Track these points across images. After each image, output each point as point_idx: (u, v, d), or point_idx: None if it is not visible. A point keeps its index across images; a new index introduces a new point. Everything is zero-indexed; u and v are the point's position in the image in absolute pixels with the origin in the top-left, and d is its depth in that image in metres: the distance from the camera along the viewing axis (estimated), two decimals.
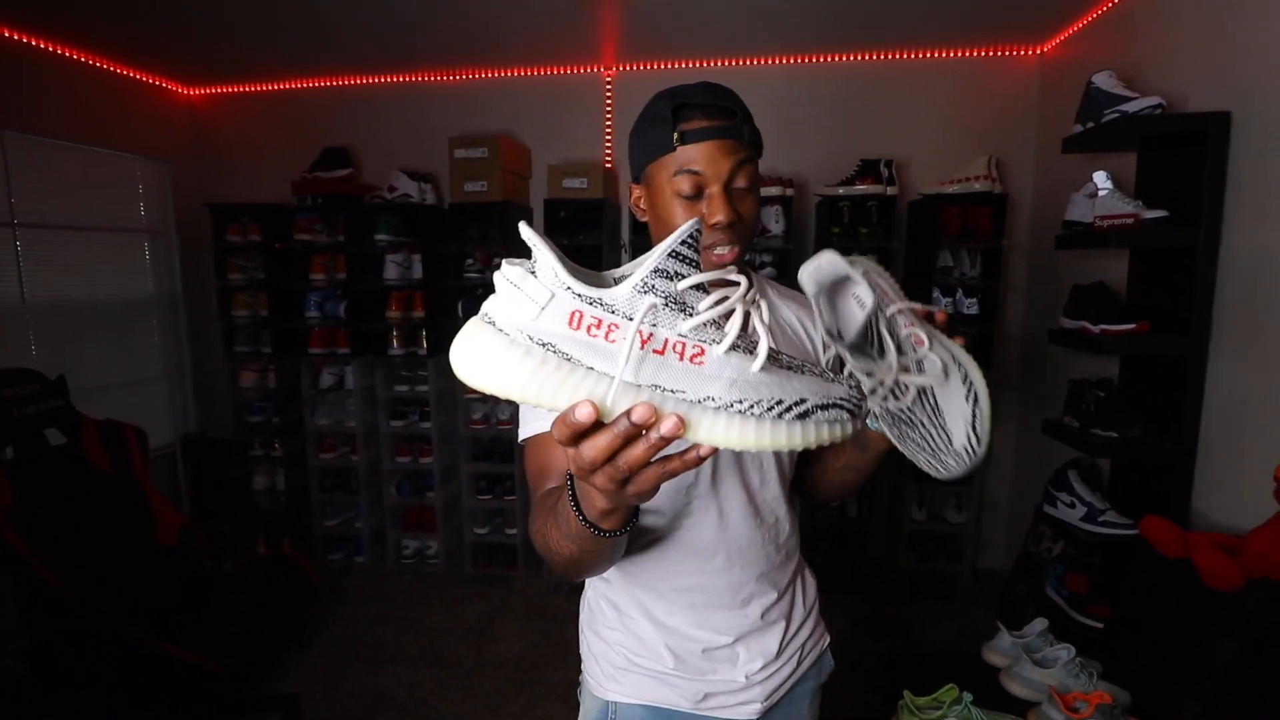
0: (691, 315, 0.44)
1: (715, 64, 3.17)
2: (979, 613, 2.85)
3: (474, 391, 3.03)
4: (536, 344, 0.43)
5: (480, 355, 0.43)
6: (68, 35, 2.82)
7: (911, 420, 0.65)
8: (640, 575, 0.92)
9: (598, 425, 0.44)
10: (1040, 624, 1.78)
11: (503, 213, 3.08)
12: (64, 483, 2.21)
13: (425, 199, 3.18)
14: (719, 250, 0.84)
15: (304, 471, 3.41)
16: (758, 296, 0.48)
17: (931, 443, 0.64)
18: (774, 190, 2.88)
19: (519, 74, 3.33)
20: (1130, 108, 1.88)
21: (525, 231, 0.45)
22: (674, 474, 0.46)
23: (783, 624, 0.96)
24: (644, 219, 0.92)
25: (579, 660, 1.03)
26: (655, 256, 0.44)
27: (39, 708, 2.18)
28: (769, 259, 3.02)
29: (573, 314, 0.43)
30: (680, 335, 0.44)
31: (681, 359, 0.44)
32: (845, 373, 0.66)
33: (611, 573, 0.94)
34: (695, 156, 0.81)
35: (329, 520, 3.40)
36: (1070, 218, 2.04)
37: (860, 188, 2.81)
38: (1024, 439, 3.11)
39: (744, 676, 0.92)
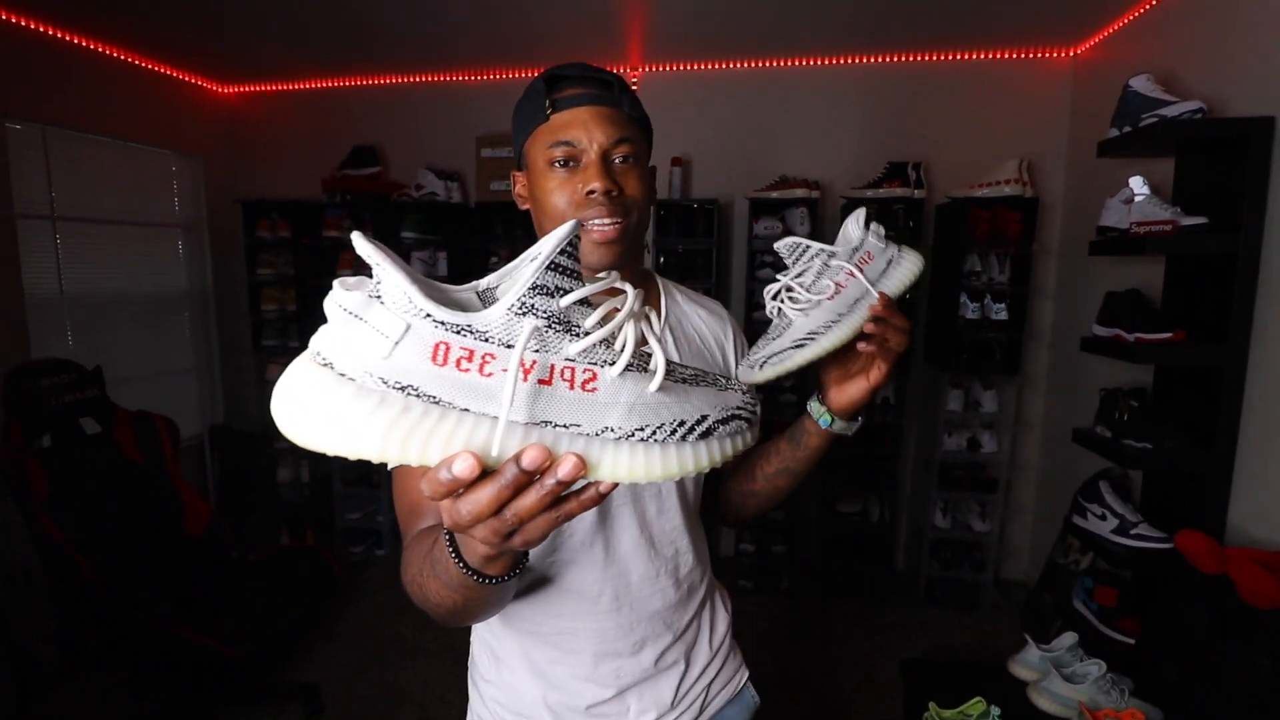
0: (579, 336, 0.38)
1: (741, 65, 3.16)
2: (1001, 623, 2.81)
3: None
4: (393, 388, 0.35)
5: (319, 409, 0.34)
6: (107, 33, 2.89)
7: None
8: (521, 619, 0.81)
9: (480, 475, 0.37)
10: (1070, 638, 1.74)
11: (527, 212, 3.09)
12: (97, 471, 2.26)
13: (452, 197, 3.21)
14: (597, 224, 0.75)
15: (327, 465, 3.46)
16: (644, 305, 0.43)
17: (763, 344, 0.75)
18: (799, 193, 2.87)
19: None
20: (1169, 112, 1.84)
21: (361, 245, 0.35)
22: (570, 517, 0.40)
23: (680, 667, 0.86)
24: (525, 207, 0.84)
25: None
26: (531, 271, 0.37)
27: (66, 690, 2.23)
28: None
29: (436, 346, 0.35)
30: (568, 360, 0.38)
31: (572, 387, 0.38)
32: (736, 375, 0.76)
33: (494, 619, 0.84)
34: (568, 122, 0.75)
35: (351, 513, 3.43)
36: (1105, 223, 2.00)
37: (887, 190, 2.79)
38: (1051, 448, 3.05)
39: None
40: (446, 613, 0.60)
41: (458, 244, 3.22)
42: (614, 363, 0.39)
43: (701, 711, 0.89)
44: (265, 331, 3.46)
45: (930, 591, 2.96)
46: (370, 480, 3.44)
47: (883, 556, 3.03)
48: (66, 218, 2.83)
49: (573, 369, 0.38)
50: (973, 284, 2.77)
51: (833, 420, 0.78)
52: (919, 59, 3.04)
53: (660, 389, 0.40)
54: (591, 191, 0.74)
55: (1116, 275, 2.41)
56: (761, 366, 0.71)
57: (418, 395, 0.35)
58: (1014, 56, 2.97)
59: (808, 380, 2.90)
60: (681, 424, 0.41)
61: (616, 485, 0.40)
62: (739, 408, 0.44)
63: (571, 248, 0.38)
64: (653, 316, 0.43)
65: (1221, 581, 1.55)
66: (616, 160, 0.77)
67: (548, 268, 0.37)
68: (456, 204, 3.24)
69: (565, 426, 0.38)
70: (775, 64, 3.15)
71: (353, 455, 0.34)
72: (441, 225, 3.21)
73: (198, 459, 3.48)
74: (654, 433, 0.40)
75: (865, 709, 2.30)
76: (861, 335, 0.71)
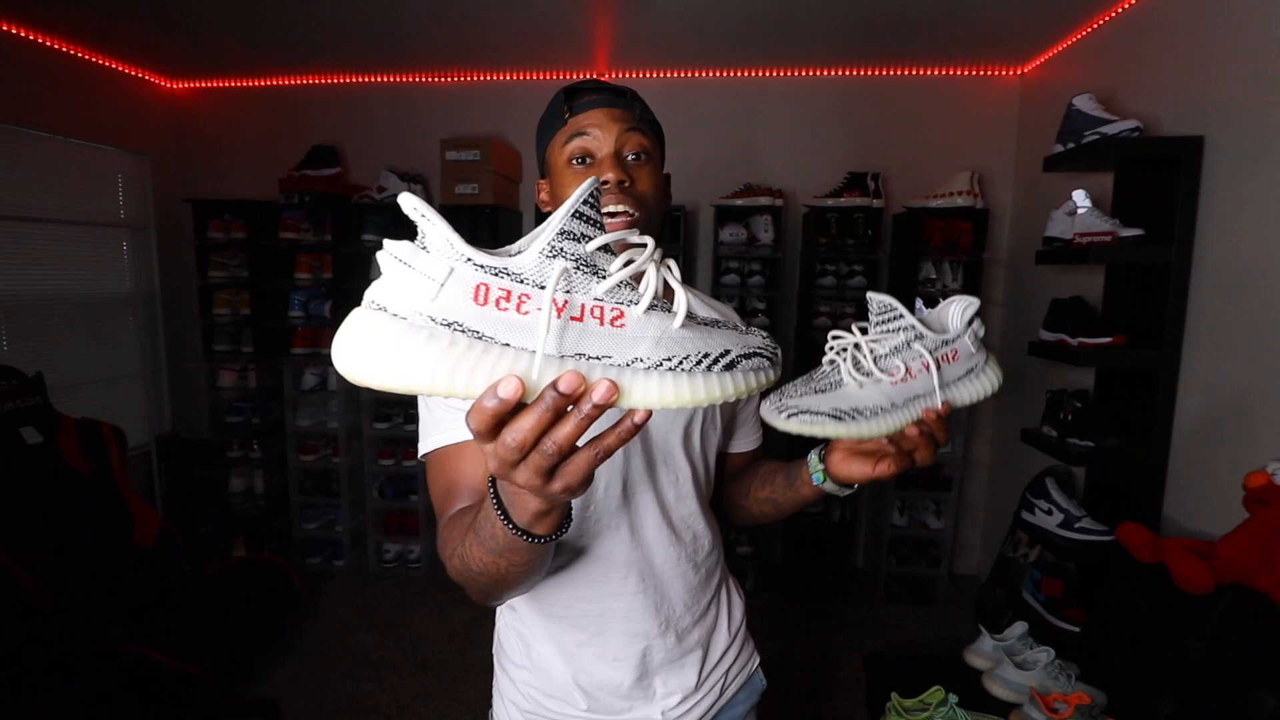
0: (604, 277, 0.42)
1: (706, 74, 3.21)
2: (956, 616, 2.92)
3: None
4: (441, 325, 0.38)
5: (374, 346, 0.37)
6: (48, 24, 2.76)
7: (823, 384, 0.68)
8: (550, 602, 0.85)
9: (518, 409, 0.40)
10: (1020, 627, 1.83)
11: (493, 215, 3.08)
12: (40, 482, 2.16)
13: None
14: (610, 208, 0.78)
15: (284, 473, 3.36)
16: (664, 258, 0.46)
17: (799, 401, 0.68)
18: (764, 200, 2.93)
19: (510, 77, 3.33)
20: (1109, 129, 1.96)
21: (410, 201, 0.39)
22: (609, 452, 0.43)
23: (701, 651, 0.90)
24: (547, 209, 0.88)
25: None
26: (559, 218, 0.41)
27: (9, 717, 2.11)
28: (758, 267, 3.07)
29: (478, 287, 0.39)
30: (596, 299, 0.41)
31: (602, 323, 0.41)
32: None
33: (519, 602, 0.87)
34: (583, 122, 0.81)
35: (308, 523, 3.35)
36: (1050, 234, 2.11)
37: (848, 199, 2.87)
38: (1000, 447, 3.20)
39: (659, 714, 0.86)
40: (489, 581, 0.62)
41: None
42: (638, 301, 0.42)
43: (721, 694, 0.93)
44: (217, 336, 3.35)
45: (889, 587, 3.06)
46: (328, 489, 3.35)
47: (843, 555, 3.11)
48: (4, 216, 2.69)
49: (601, 307, 0.41)
50: (928, 290, 2.88)
51: (826, 479, 0.79)
52: (877, 74, 3.15)
53: (683, 326, 0.43)
54: (605, 182, 0.78)
55: (1061, 283, 2.54)
56: (789, 416, 0.65)
57: (463, 331, 0.38)
58: (966, 74, 3.11)
59: None
60: (706, 355, 0.43)
61: (649, 416, 0.42)
62: (760, 348, 0.47)
63: (594, 199, 0.42)
64: (673, 264, 0.46)
65: (1159, 570, 1.65)
66: (629, 156, 0.81)
67: (573, 215, 0.41)
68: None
69: (598, 358, 0.41)
70: (739, 74, 3.21)
71: (405, 389, 0.37)
72: (405, 228, 3.14)
73: (144, 469, 3.34)
74: (680, 362, 0.42)
75: (831, 702, 2.37)
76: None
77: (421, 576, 3.27)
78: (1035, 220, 2.46)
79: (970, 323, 0.71)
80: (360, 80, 3.40)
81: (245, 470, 3.42)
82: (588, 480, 0.44)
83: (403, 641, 2.72)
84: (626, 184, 0.79)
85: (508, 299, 0.39)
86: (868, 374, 0.67)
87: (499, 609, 0.93)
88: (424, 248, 0.39)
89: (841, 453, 0.76)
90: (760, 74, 3.21)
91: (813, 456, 0.81)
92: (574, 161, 0.81)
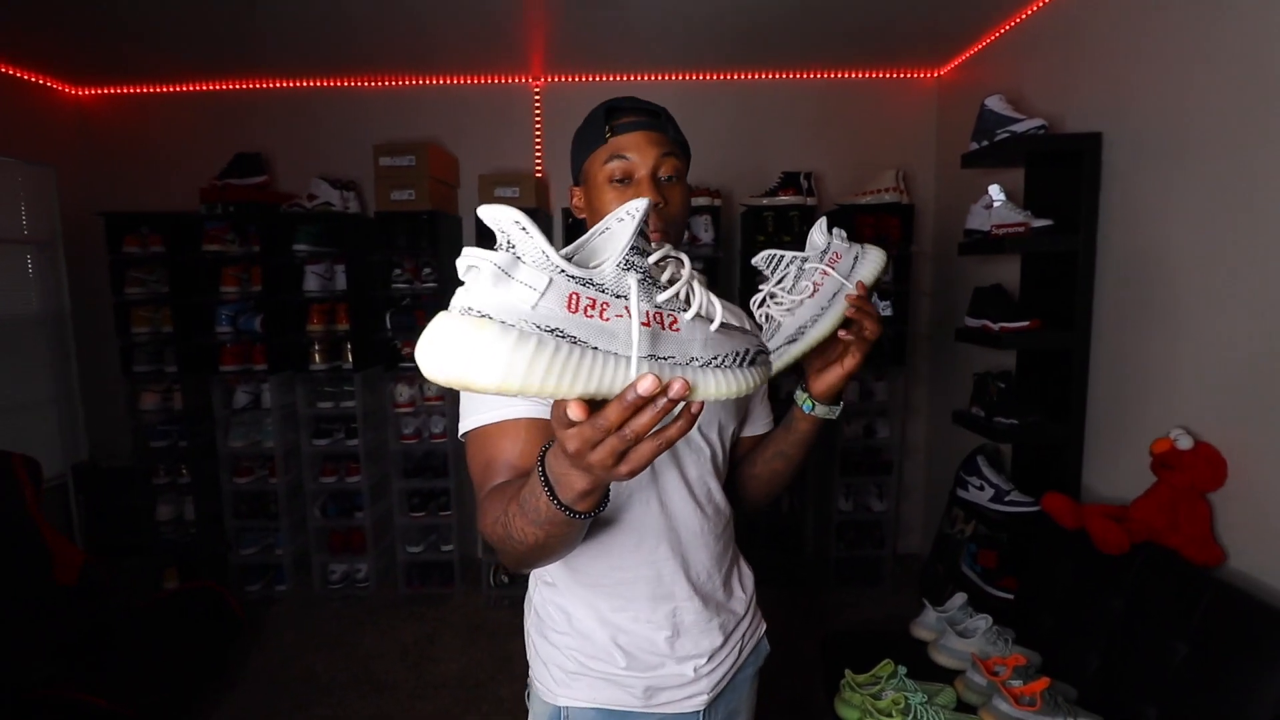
0: (661, 289, 0.48)
1: (641, 78, 3.26)
2: (903, 593, 3.05)
3: (403, 404, 2.86)
4: (545, 331, 0.42)
5: (479, 350, 0.40)
6: None
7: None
8: (586, 572, 0.93)
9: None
10: (960, 598, 1.94)
11: (432, 222, 3.03)
12: None
13: (349, 207, 3.08)
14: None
15: (216, 498, 3.20)
16: (698, 272, 0.55)
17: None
18: (703, 200, 2.99)
19: (443, 82, 3.29)
20: (1018, 128, 2.10)
21: (510, 214, 0.42)
22: (670, 443, 0.49)
23: (726, 614, 0.99)
24: (582, 216, 0.97)
25: (525, 672, 1.03)
26: (630, 234, 0.46)
27: None
28: (700, 266, 3.12)
29: (571, 296, 0.43)
30: (656, 307, 0.47)
31: (664, 328, 0.47)
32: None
33: (557, 576, 0.95)
34: (624, 144, 0.88)
35: (246, 549, 3.20)
36: (970, 226, 2.24)
37: (783, 198, 2.97)
38: (936, 429, 3.36)
39: (691, 670, 0.94)
40: (526, 549, 0.68)
41: (357, 256, 3.09)
42: (687, 311, 0.50)
43: (740, 654, 1.02)
44: (136, 356, 3.16)
45: (839, 571, 3.17)
46: (266, 511, 3.21)
47: (794, 543, 3.20)
48: None
49: (661, 314, 0.48)
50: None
51: (814, 405, 0.91)
52: (806, 77, 3.27)
53: (719, 330, 0.51)
54: None
55: (982, 272, 2.70)
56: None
57: (564, 336, 0.42)
58: (888, 77, 3.26)
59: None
60: (737, 354, 0.52)
61: (703, 408, 0.50)
62: (760, 348, 0.56)
63: (647, 219, 0.48)
64: (700, 278, 0.53)
65: (1081, 536, 1.78)
66: (663, 178, 0.89)
67: (640, 233, 0.46)
68: (354, 214, 3.11)
69: (666, 359, 0.47)
70: (673, 78, 3.27)
71: (505, 390, 0.40)
72: (339, 237, 3.07)
73: (60, 501, 3.11)
74: (723, 360, 0.50)
75: (790, 685, 2.43)
76: (844, 325, 0.84)
77: (370, 595, 3.18)
78: (957, 214, 2.60)
79: (830, 231, 0.89)
80: (287, 85, 3.28)
81: (174, 497, 3.24)
82: (648, 465, 0.50)
83: (354, 664, 2.64)
84: (661, 205, 0.88)
85: (593, 307, 0.44)
86: (790, 304, 0.86)
87: (536, 585, 1.01)
88: (519, 258, 0.42)
89: (814, 374, 0.90)
90: (693, 77, 3.27)
91: (798, 393, 0.93)
92: (614, 181, 0.89)
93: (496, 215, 0.42)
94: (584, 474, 0.53)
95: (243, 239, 3.09)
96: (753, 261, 0.91)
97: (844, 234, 0.90)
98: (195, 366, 3.14)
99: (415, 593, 3.17)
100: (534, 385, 0.41)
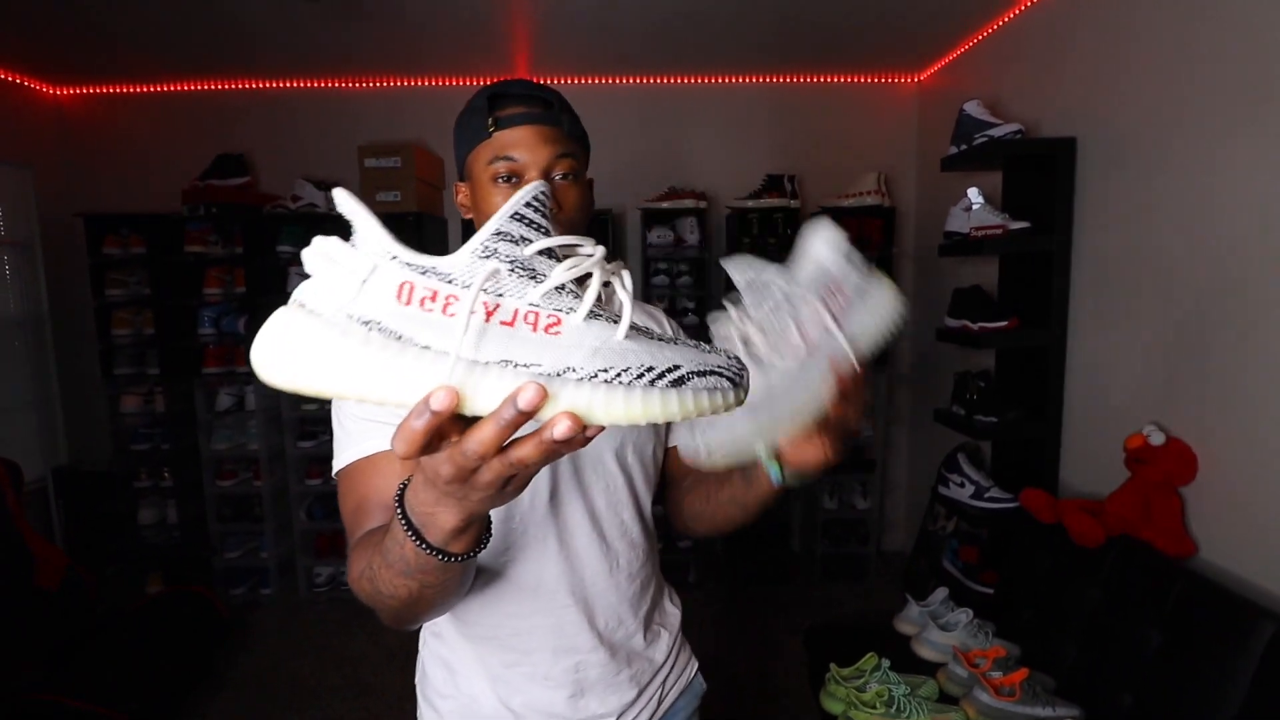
0: (543, 281, 0.39)
1: (624, 80, 3.28)
2: (887, 589, 3.10)
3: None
4: (358, 323, 0.36)
5: (287, 345, 0.36)
6: None
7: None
8: (476, 625, 0.81)
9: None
10: (942, 593, 1.98)
11: (418, 223, 3.03)
12: None
13: (333, 209, 3.06)
14: None
15: (199, 501, 3.17)
16: (617, 264, 0.43)
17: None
18: (688, 203, 3.02)
19: (431, 83, 3.29)
20: (996, 133, 2.15)
21: (341, 196, 0.38)
22: (557, 454, 0.40)
23: (640, 663, 0.87)
24: (468, 216, 0.85)
25: None
26: (497, 219, 0.39)
27: None
28: (686, 268, 3.15)
29: (401, 285, 0.37)
30: (531, 304, 0.38)
31: (535, 329, 0.38)
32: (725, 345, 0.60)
33: (443, 627, 0.83)
34: (510, 141, 0.76)
35: (230, 552, 3.17)
36: (950, 228, 2.29)
37: (767, 201, 3.00)
38: (918, 428, 3.41)
39: None
40: (400, 605, 0.57)
41: None
42: (577, 309, 0.39)
43: (660, 704, 0.90)
44: (117, 359, 3.13)
45: (825, 567, 3.21)
46: (251, 514, 3.19)
47: (780, 541, 3.23)
48: None
49: (536, 313, 0.38)
50: None
51: (786, 478, 0.70)
52: (789, 80, 3.30)
53: (629, 339, 0.39)
54: None
55: (962, 273, 2.75)
56: (712, 453, 0.59)
57: (380, 330, 0.36)
58: (869, 81, 3.31)
59: None
60: (649, 369, 0.39)
61: (582, 430, 0.38)
62: (720, 367, 0.41)
63: (538, 203, 0.40)
64: (625, 275, 0.43)
65: (1058, 530, 1.83)
66: (557, 177, 0.78)
67: (511, 216, 0.39)
68: (339, 215, 3.08)
69: (525, 365, 0.37)
70: (660, 80, 3.29)
71: (313, 391, 0.36)
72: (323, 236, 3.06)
73: (40, 505, 3.07)
74: (619, 375, 0.38)
75: (776, 680, 2.46)
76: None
77: (357, 598, 3.16)
78: (937, 216, 2.65)
79: (847, 257, 0.63)
80: (270, 85, 3.26)
81: (156, 500, 3.20)
82: (528, 483, 0.43)
83: (342, 666, 2.63)
84: (556, 210, 0.77)
85: (433, 299, 0.37)
86: (767, 358, 0.60)
87: (423, 637, 0.88)
88: (353, 245, 0.38)
89: (789, 444, 0.68)
90: (680, 80, 3.30)
91: (764, 454, 0.71)
92: (499, 180, 0.77)
93: (339, 199, 0.38)
94: (456, 506, 0.44)
95: (226, 240, 3.07)
96: (723, 263, 0.65)
97: (859, 257, 0.64)
98: (177, 369, 3.11)
99: None
100: (345, 384, 0.36)
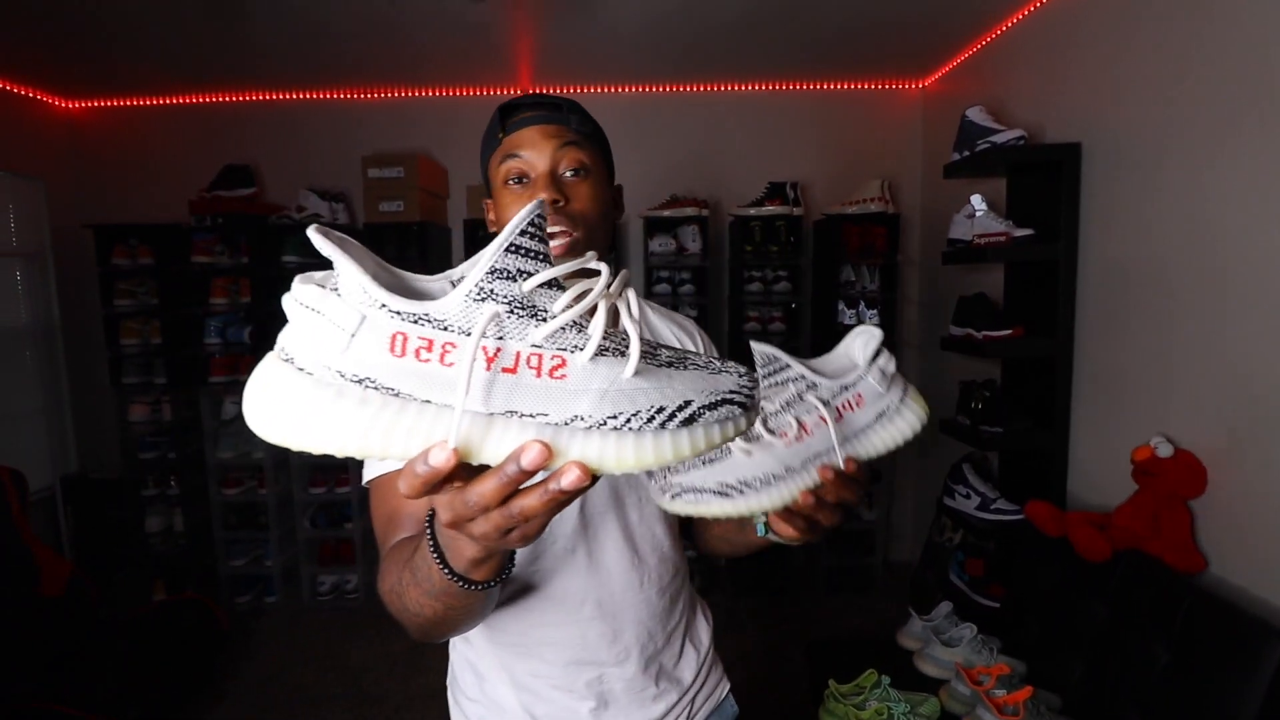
0: (545, 321, 0.36)
1: (627, 89, 3.28)
2: (893, 602, 3.04)
3: None
4: (350, 381, 0.34)
5: (280, 404, 0.34)
6: None
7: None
8: (502, 631, 0.81)
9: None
10: (945, 607, 1.94)
11: (421, 233, 3.04)
12: None
13: (338, 219, 3.10)
14: (549, 230, 0.74)
15: (205, 509, 3.19)
16: (622, 287, 0.40)
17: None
18: (691, 211, 3.01)
19: (434, 93, 3.31)
20: (998, 139, 2.12)
21: (317, 238, 0.34)
22: (563, 505, 0.39)
23: (668, 682, 0.86)
24: (494, 230, 0.84)
25: None
26: (490, 254, 0.36)
27: None
28: (688, 276, 3.14)
29: (394, 337, 0.34)
30: (534, 346, 0.36)
31: (539, 375, 0.36)
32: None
33: (472, 632, 0.83)
34: (517, 141, 0.79)
35: (235, 560, 3.18)
36: (953, 236, 2.26)
37: (769, 208, 2.98)
38: (924, 438, 3.35)
39: None
40: (426, 623, 0.58)
41: None
42: (584, 347, 0.36)
43: None
44: (125, 368, 3.16)
45: (829, 579, 3.16)
46: (255, 522, 3.20)
47: (783, 552, 3.19)
48: None
49: (539, 355, 0.36)
50: (848, 292, 3.02)
51: (769, 532, 0.70)
52: (793, 88, 3.29)
53: (639, 374, 0.37)
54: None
55: (967, 281, 2.71)
56: (674, 496, 0.57)
57: (375, 388, 0.34)
58: (873, 88, 3.29)
59: None
60: (660, 410, 0.37)
61: (590, 479, 0.37)
62: (732, 392, 0.39)
63: (534, 229, 0.37)
64: (631, 297, 0.40)
65: (1065, 543, 1.79)
66: (565, 174, 0.79)
67: (507, 250, 0.36)
68: (343, 226, 3.13)
69: (532, 416, 0.36)
70: (661, 89, 3.29)
71: (316, 450, 0.34)
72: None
73: (48, 512, 3.10)
74: (628, 420, 0.36)
75: (777, 693, 2.43)
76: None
77: (359, 606, 3.16)
78: (941, 224, 2.62)
79: (875, 358, 0.62)
80: (276, 97, 3.30)
81: (162, 508, 3.23)
82: (542, 530, 0.42)
83: (343, 675, 2.62)
84: (561, 203, 0.77)
85: (429, 349, 0.34)
86: (755, 438, 0.57)
87: (452, 640, 0.88)
88: (335, 289, 0.34)
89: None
90: (681, 88, 3.30)
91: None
92: (509, 182, 0.80)
93: (314, 238, 0.34)
94: (468, 542, 0.45)
95: (232, 250, 3.10)
96: (754, 348, 0.63)
97: (891, 368, 0.63)
98: (184, 378, 3.14)
99: None
100: (347, 445, 0.34)
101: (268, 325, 3.07)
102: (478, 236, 3.09)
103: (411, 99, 3.32)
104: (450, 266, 0.38)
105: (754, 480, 0.56)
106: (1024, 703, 1.50)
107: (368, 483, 0.76)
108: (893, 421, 0.63)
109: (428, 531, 0.50)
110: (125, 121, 3.36)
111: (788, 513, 0.60)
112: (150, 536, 3.20)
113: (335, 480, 3.15)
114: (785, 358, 0.60)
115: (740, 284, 3.11)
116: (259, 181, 3.27)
